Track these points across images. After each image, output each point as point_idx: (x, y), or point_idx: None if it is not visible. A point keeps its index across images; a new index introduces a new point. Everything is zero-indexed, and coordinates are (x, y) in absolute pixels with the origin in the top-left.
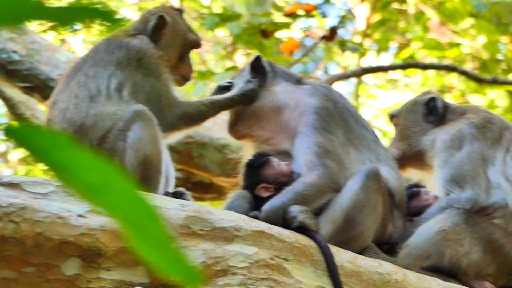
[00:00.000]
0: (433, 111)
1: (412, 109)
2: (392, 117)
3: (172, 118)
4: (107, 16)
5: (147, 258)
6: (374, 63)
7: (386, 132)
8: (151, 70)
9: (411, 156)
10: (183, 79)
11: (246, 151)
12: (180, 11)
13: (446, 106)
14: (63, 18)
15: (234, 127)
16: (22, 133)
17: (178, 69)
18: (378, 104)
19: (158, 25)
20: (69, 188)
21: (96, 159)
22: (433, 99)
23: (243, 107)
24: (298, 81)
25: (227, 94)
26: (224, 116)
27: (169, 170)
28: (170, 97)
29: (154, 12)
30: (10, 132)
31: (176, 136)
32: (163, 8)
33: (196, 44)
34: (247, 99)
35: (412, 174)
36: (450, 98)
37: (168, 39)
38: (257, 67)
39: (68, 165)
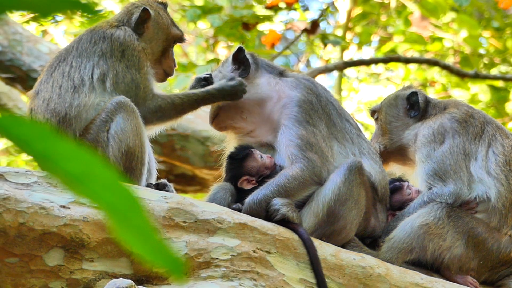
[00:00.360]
0: (414, 106)
1: (393, 103)
2: (373, 112)
3: (146, 112)
4: (87, 7)
5: (131, 248)
6: (356, 57)
7: (368, 126)
8: (133, 62)
9: (393, 151)
10: (165, 74)
11: (228, 143)
12: (164, 4)
13: (427, 101)
14: (44, 9)
15: (216, 119)
16: (5, 123)
17: (161, 63)
18: (360, 97)
19: (142, 18)
20: (53, 178)
21: (79, 149)
22: (414, 94)
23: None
24: (281, 74)
25: (204, 88)
26: (206, 109)
27: (151, 161)
28: (147, 91)
29: (137, 5)
30: None
31: (157, 130)
32: (147, 1)
33: (180, 39)
34: (226, 94)
35: (395, 169)
36: (432, 92)
37: (151, 33)
38: (239, 58)
39: (51, 155)
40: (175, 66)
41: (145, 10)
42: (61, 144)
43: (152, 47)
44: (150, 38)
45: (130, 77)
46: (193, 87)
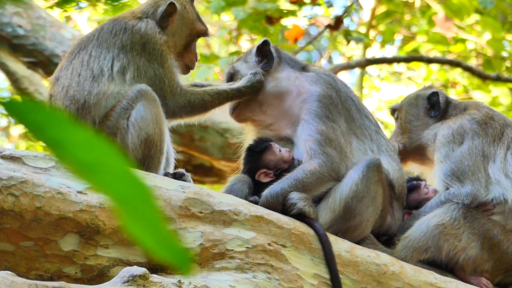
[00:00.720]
0: (435, 106)
1: (414, 103)
2: (393, 110)
3: (174, 106)
4: None
5: (138, 238)
6: (379, 55)
7: (387, 124)
8: (155, 56)
9: (412, 150)
10: (186, 68)
11: (247, 135)
12: None
13: (448, 101)
14: None
15: (236, 110)
16: (21, 108)
17: (182, 57)
18: (381, 96)
19: (168, 11)
20: (65, 165)
21: (92, 138)
22: (435, 94)
23: None
24: (302, 68)
25: (233, 85)
26: None
27: (170, 151)
28: (173, 85)
29: None
30: (8, 107)
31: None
32: None
33: (204, 34)
34: (253, 90)
35: (413, 168)
36: (453, 94)
37: (175, 27)
38: (263, 51)
39: (64, 142)
40: (196, 60)
41: (171, 4)
42: (75, 131)
43: (175, 40)
44: (174, 32)
45: (152, 71)
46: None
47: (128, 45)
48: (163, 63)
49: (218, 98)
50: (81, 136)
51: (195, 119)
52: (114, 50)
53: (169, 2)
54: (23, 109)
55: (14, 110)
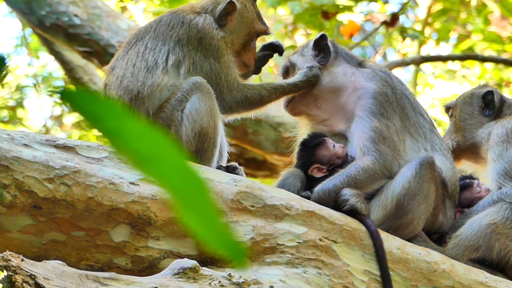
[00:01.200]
0: (489, 105)
1: (469, 101)
2: (448, 108)
3: (231, 101)
4: None
5: (194, 230)
6: (434, 52)
7: (441, 122)
8: (211, 52)
9: (465, 148)
10: (245, 66)
11: (301, 129)
12: None
13: (503, 100)
14: None
15: (290, 103)
16: (77, 97)
17: (241, 55)
18: (435, 93)
19: (227, 10)
20: (121, 155)
21: (149, 129)
22: (490, 93)
23: None
24: (359, 64)
25: (290, 80)
26: None
27: (223, 144)
28: (230, 80)
29: None
30: (65, 96)
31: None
32: None
33: (264, 33)
34: (309, 85)
35: (466, 166)
36: (507, 93)
37: (234, 25)
38: (320, 45)
39: (121, 132)
40: (255, 59)
41: (230, 3)
42: (132, 122)
43: (233, 38)
44: (232, 30)
45: (208, 66)
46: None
47: (185, 39)
48: (219, 58)
49: (275, 93)
50: (138, 127)
51: (251, 114)
52: (170, 43)
53: (228, 0)
54: (80, 99)
55: (71, 99)
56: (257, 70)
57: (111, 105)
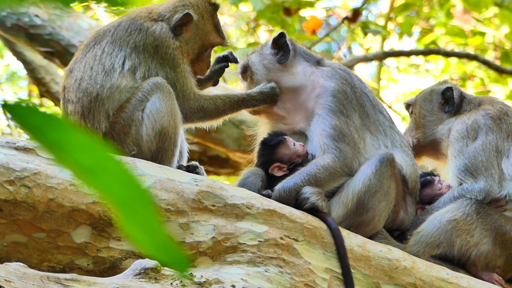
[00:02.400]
0: (449, 101)
1: (428, 98)
2: (408, 105)
3: (187, 110)
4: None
5: (136, 241)
6: (397, 46)
7: (405, 117)
8: (167, 60)
9: (426, 145)
10: (195, 75)
11: (261, 128)
12: (215, 6)
13: (462, 96)
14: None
15: None
16: (19, 110)
17: (193, 65)
18: (399, 88)
19: (182, 20)
20: (64, 167)
21: (92, 141)
22: (449, 89)
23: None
24: (318, 63)
25: (246, 92)
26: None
27: (183, 144)
28: (186, 90)
29: (185, 3)
30: (7, 109)
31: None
32: (197, 1)
33: (219, 45)
34: (265, 97)
35: (427, 163)
36: (470, 87)
37: (189, 36)
38: (279, 43)
39: (63, 145)
40: (207, 68)
41: (187, 15)
42: (74, 135)
43: (188, 48)
44: (187, 40)
45: (164, 74)
46: (213, 66)
47: (141, 46)
48: (175, 67)
49: (230, 104)
50: (81, 139)
51: (206, 125)
52: (127, 49)
53: (185, 12)
54: (23, 112)
55: (14, 113)
56: (215, 83)
57: (52, 118)
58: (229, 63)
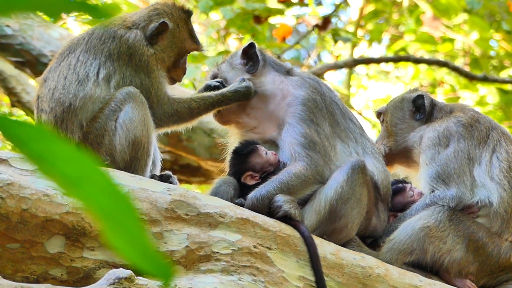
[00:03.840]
0: (420, 109)
1: (399, 106)
2: (379, 114)
3: (161, 115)
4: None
5: (120, 250)
6: (367, 53)
7: (376, 124)
8: (141, 67)
9: (398, 153)
10: (173, 81)
11: (231, 137)
12: (188, 13)
13: (433, 104)
14: (52, 10)
15: (219, 113)
16: (3, 122)
17: (170, 71)
18: (369, 94)
19: (158, 29)
20: (48, 179)
21: (76, 152)
22: (420, 97)
23: None
24: (287, 72)
25: (219, 91)
26: None
27: (156, 153)
28: (160, 95)
29: (160, 11)
30: None
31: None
32: (171, 9)
33: (195, 50)
34: (240, 96)
35: (399, 171)
36: (441, 93)
37: (165, 45)
38: (249, 54)
39: (47, 156)
40: (184, 74)
41: (163, 24)
42: (58, 146)
43: (164, 57)
44: (163, 49)
45: (139, 81)
46: (200, 91)
47: (115, 54)
48: (149, 74)
49: (205, 105)
50: (65, 150)
51: (182, 127)
52: (101, 57)
53: (161, 21)
54: (6, 123)
55: None
56: None
57: (36, 129)
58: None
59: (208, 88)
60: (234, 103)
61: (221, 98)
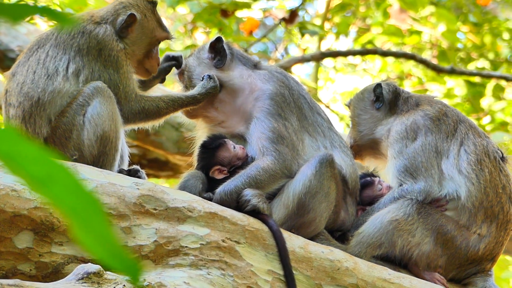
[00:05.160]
0: (379, 98)
1: (361, 96)
2: (348, 106)
3: (129, 112)
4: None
5: (89, 248)
6: (334, 46)
7: (343, 116)
8: (110, 62)
9: (365, 144)
10: (148, 72)
11: (199, 131)
12: (153, 3)
13: (396, 93)
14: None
15: None
16: None
17: (143, 63)
18: (337, 87)
19: (127, 22)
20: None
21: (43, 152)
22: (379, 86)
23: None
24: (255, 66)
25: (189, 93)
26: None
27: (124, 148)
28: (128, 91)
29: (125, 4)
30: None
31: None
32: (136, 1)
33: (165, 39)
34: (208, 96)
35: (368, 163)
36: (408, 85)
37: (135, 37)
38: (217, 48)
39: (15, 156)
40: (158, 65)
41: (131, 15)
42: (26, 146)
43: (134, 49)
44: (133, 41)
45: (107, 76)
46: (161, 64)
47: (85, 49)
48: (118, 69)
49: (173, 106)
50: (32, 151)
51: (148, 125)
52: (71, 52)
53: (129, 13)
54: None
55: None
56: (162, 81)
57: (4, 130)
58: (179, 63)
59: (167, 58)
60: (202, 102)
61: (191, 101)
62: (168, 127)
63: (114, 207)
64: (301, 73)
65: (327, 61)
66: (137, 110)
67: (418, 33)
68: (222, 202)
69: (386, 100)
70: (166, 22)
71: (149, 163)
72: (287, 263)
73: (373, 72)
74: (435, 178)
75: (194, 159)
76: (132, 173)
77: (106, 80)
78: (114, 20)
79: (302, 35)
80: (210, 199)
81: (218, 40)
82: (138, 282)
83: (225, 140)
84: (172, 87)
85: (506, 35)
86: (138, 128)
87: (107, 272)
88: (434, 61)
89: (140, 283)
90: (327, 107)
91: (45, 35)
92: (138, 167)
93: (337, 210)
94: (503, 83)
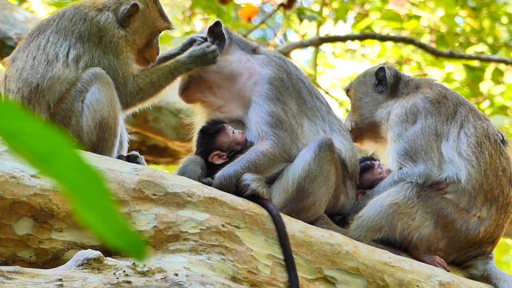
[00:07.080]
0: (382, 81)
1: (363, 80)
2: (347, 90)
3: (126, 95)
4: None
5: (92, 226)
6: (333, 32)
7: (342, 102)
8: (110, 48)
9: (365, 128)
10: (147, 61)
11: (198, 117)
12: None
13: (398, 77)
14: None
15: (185, 91)
16: None
17: (143, 52)
18: (336, 73)
19: (130, 12)
20: (18, 155)
21: (45, 128)
22: (382, 69)
23: (198, 71)
24: (253, 51)
25: (174, 59)
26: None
27: (123, 134)
28: (127, 76)
29: None
30: None
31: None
32: None
33: (166, 29)
34: (196, 59)
35: (368, 147)
36: (407, 70)
37: (137, 26)
38: (215, 32)
39: (17, 133)
40: (158, 54)
41: (134, 6)
42: (27, 122)
43: (135, 39)
44: (135, 31)
45: (107, 62)
46: (184, 45)
47: (86, 35)
48: (118, 55)
49: (164, 76)
50: (34, 126)
51: (148, 104)
52: (72, 38)
53: (132, 3)
54: None
55: None
56: None
57: (5, 106)
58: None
59: (191, 42)
60: (196, 67)
61: (178, 65)
62: (167, 113)
63: (114, 193)
64: (300, 59)
65: (326, 47)
66: (135, 91)
67: (417, 17)
68: (221, 187)
69: (388, 83)
70: (164, 9)
71: (149, 149)
72: (287, 248)
73: (372, 57)
74: (435, 161)
75: (193, 144)
76: (131, 159)
77: (106, 66)
78: (117, 8)
79: (301, 20)
80: (210, 184)
81: (217, 24)
82: (143, 259)
83: (224, 125)
84: None
85: (504, 19)
86: (137, 114)
87: (107, 258)
88: (433, 46)
89: (143, 256)
90: (327, 92)
91: (46, 21)
92: (137, 153)
93: (337, 194)
94: (502, 66)
